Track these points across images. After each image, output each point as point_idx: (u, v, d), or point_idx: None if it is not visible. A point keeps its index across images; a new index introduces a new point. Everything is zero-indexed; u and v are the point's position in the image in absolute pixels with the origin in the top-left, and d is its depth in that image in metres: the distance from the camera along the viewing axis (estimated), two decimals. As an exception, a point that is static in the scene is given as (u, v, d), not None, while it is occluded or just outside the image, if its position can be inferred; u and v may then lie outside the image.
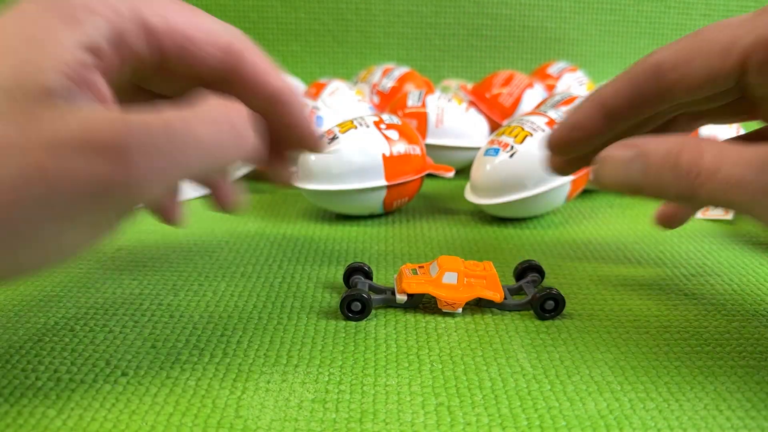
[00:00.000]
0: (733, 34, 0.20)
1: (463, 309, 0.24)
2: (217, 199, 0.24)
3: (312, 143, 0.24)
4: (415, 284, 0.24)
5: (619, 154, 0.22)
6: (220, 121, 0.18)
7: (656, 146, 0.21)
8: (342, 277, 0.26)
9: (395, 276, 0.26)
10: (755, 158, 0.19)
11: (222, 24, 0.21)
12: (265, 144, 0.23)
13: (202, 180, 0.23)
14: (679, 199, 0.21)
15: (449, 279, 0.24)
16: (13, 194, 0.15)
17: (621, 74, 0.24)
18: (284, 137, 0.24)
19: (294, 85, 0.23)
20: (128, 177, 0.15)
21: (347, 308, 0.24)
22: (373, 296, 0.24)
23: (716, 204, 0.20)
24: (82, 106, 0.16)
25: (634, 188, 0.21)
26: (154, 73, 0.20)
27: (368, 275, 0.26)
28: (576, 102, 0.32)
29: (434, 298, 0.24)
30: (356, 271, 0.26)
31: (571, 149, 0.25)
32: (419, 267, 0.25)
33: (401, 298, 0.24)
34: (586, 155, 0.25)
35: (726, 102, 0.23)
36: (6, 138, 0.15)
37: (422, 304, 0.25)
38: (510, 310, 0.24)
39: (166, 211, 0.23)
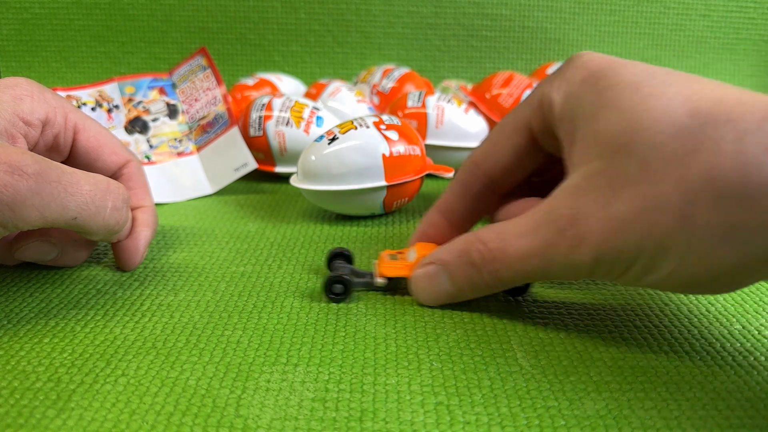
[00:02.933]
0: (521, 114, 0.24)
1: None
2: (116, 257, 0.28)
3: (123, 264, 0.28)
4: (393, 268, 0.25)
5: (423, 272, 0.24)
6: (102, 187, 0.23)
7: (449, 253, 0.23)
8: (325, 261, 0.27)
9: (374, 261, 0.27)
10: (529, 224, 0.21)
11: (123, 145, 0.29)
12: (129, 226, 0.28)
13: (89, 235, 0.25)
14: (474, 290, 0.23)
15: None
16: None
17: (452, 181, 0.26)
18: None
19: (149, 218, 0.29)
20: (21, 192, 0.20)
21: (329, 290, 0.25)
22: (354, 279, 0.25)
23: (524, 279, 0.22)
24: (5, 143, 0.22)
25: (451, 297, 0.24)
26: (68, 157, 0.28)
27: (349, 260, 0.27)
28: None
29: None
30: (338, 256, 0.27)
31: None
32: (398, 252, 0.27)
33: (380, 281, 0.25)
34: None
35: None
36: None
37: (400, 288, 0.26)
38: None
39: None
